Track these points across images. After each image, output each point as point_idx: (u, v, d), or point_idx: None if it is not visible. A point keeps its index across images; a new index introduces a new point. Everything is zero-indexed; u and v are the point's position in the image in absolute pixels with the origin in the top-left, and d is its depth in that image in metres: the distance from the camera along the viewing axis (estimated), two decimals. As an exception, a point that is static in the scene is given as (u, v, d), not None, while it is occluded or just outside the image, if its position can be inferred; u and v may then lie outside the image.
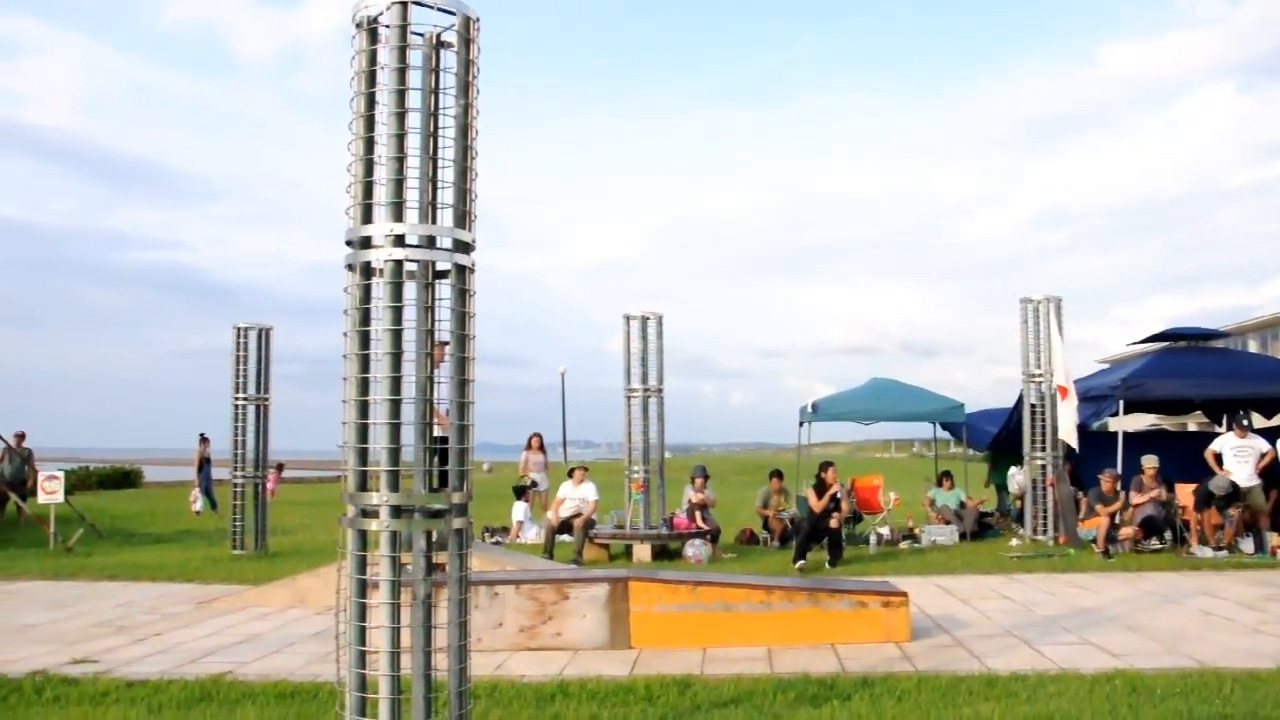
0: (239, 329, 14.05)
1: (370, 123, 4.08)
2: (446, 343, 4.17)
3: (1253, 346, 51.46)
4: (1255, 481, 12.65)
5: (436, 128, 4.14)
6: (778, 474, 15.17)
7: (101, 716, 5.46)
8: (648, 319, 13.70)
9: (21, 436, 17.87)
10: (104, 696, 5.96)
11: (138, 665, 6.92)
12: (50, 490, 15.45)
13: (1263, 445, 12.77)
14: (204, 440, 21.96)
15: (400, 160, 4.03)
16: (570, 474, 14.07)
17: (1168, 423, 24.56)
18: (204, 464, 21.92)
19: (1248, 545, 12.42)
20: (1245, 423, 13.08)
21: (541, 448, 17.44)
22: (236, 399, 14.04)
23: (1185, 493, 13.02)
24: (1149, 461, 12.90)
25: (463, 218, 4.13)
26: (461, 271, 4.12)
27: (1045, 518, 13.94)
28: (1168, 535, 12.94)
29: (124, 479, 32.20)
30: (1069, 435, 13.46)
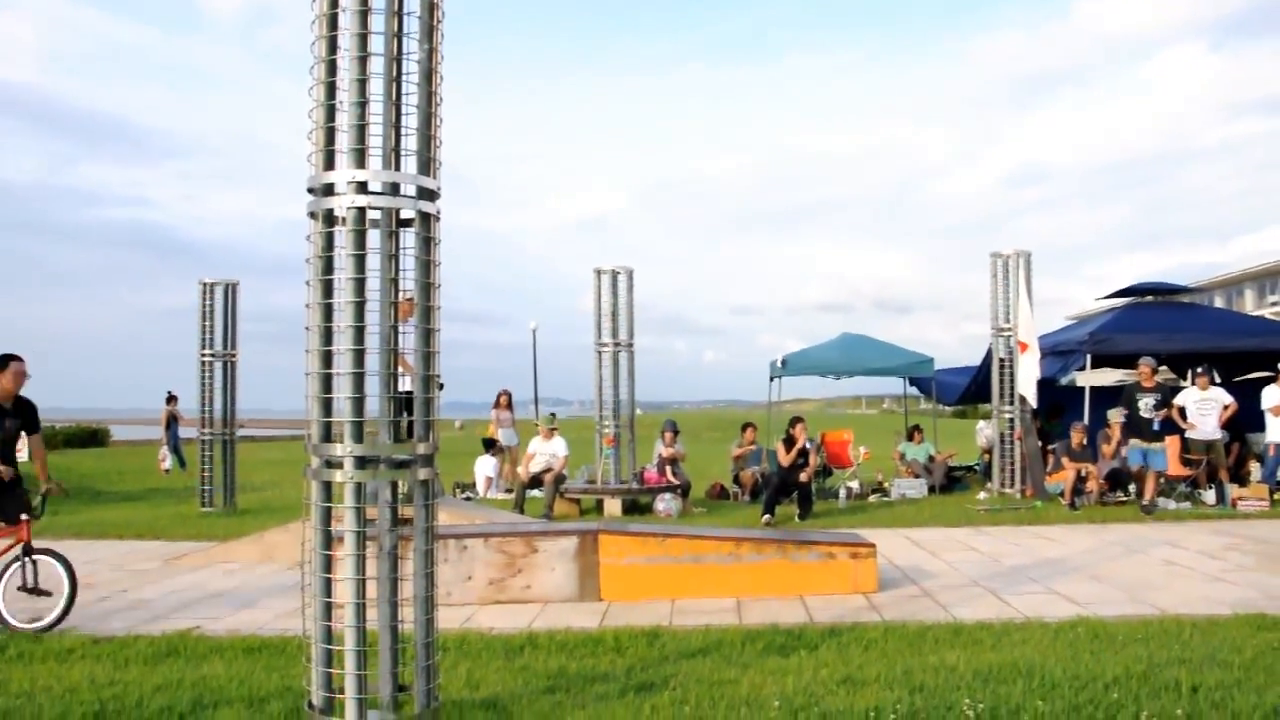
0: (205, 284, 13.90)
1: (332, 67, 3.99)
2: (413, 298, 4.11)
3: (1219, 302, 52.12)
4: (1219, 435, 12.82)
5: (400, 72, 4.05)
6: (751, 426, 15.29)
7: (66, 673, 5.41)
8: (618, 273, 13.66)
9: None
10: (70, 653, 5.90)
11: (104, 622, 6.87)
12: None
13: (1225, 398, 12.92)
14: (171, 399, 21.76)
15: (363, 105, 3.95)
16: (539, 428, 14.08)
17: (1134, 378, 24.84)
18: (172, 422, 21.74)
19: (1210, 497, 12.62)
20: (1200, 370, 13.16)
21: (509, 405, 17.42)
22: (203, 355, 13.91)
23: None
24: (1115, 415, 13.02)
25: (427, 164, 4.05)
26: (426, 219, 4.05)
27: (1012, 471, 14.10)
28: (1132, 488, 13.10)
29: (91, 437, 31.84)
30: (1028, 390, 13.56)
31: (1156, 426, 12.19)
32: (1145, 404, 12.21)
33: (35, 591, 6.59)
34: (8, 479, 6.80)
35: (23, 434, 7.05)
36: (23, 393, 6.95)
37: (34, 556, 6.63)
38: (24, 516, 6.66)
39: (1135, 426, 12.25)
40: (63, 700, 4.83)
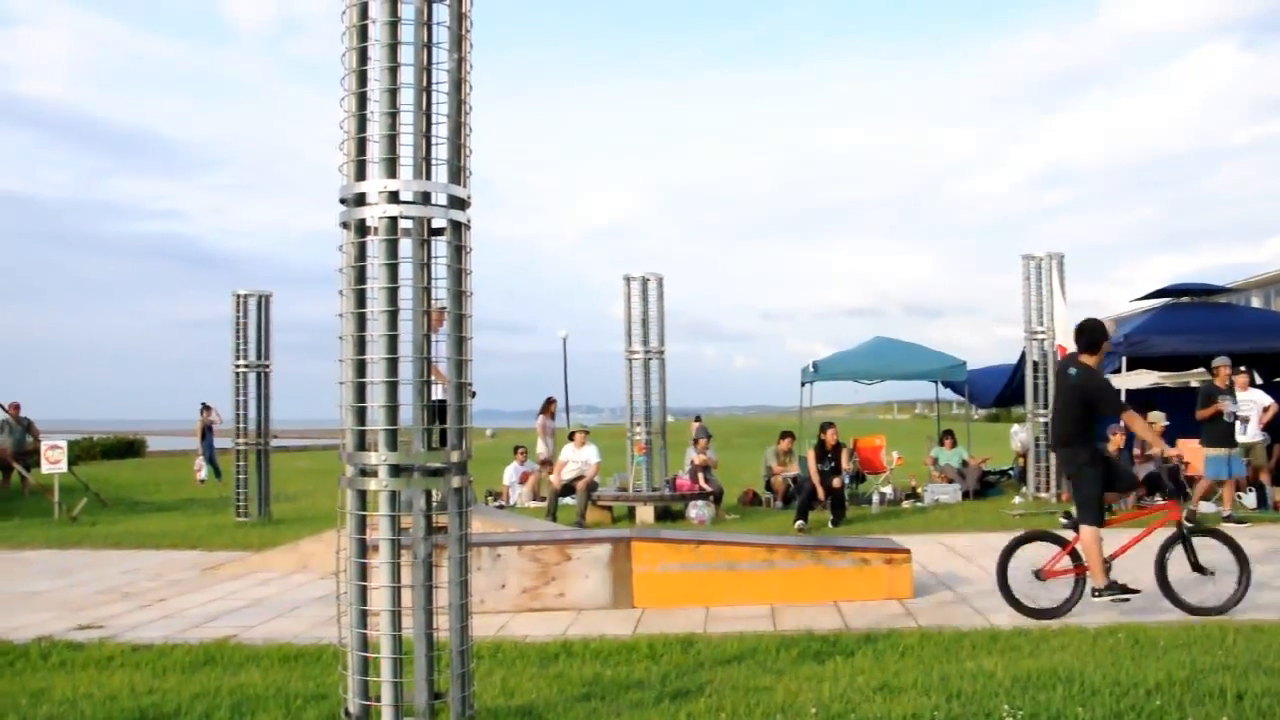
0: (238, 296, 14.03)
1: (362, 78, 4.01)
2: (445, 307, 4.13)
3: (1256, 302, 51.36)
4: (1259, 437, 12.59)
5: (430, 82, 4.07)
6: (789, 434, 15.21)
7: (106, 681, 5.47)
8: (648, 280, 13.63)
9: (17, 407, 17.85)
10: (109, 661, 5.97)
11: (142, 630, 6.94)
12: (54, 460, 15.50)
13: (1265, 399, 12.69)
14: (206, 409, 21.99)
15: (393, 116, 3.96)
16: (571, 437, 14.09)
17: (1170, 380, 24.51)
18: (207, 432, 21.97)
19: (1250, 500, 12.42)
20: (1242, 368, 12.89)
21: (554, 414, 17.51)
22: (237, 366, 14.04)
23: (1187, 449, 12.91)
24: (1155, 418, 12.85)
25: (457, 173, 4.07)
26: (457, 228, 4.07)
27: (1047, 475, 13.95)
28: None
29: (128, 448, 32.24)
30: None
31: (1244, 434, 11.66)
32: (1226, 406, 11.47)
33: None
34: None
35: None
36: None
37: None
38: None
39: (1219, 433, 11.46)
40: (104, 707, 4.88)
